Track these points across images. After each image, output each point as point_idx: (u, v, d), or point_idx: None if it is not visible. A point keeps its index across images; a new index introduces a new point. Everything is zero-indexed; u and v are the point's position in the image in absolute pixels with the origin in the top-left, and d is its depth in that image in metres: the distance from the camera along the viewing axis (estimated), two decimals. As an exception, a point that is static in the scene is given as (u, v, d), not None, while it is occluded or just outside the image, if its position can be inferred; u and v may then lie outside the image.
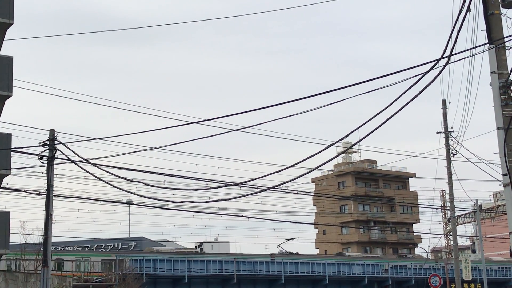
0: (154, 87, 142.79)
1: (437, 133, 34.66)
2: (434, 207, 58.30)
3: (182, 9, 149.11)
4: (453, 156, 34.05)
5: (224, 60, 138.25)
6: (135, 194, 23.02)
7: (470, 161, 31.18)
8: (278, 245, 56.53)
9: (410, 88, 12.91)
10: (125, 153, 21.44)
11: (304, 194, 35.39)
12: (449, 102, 34.12)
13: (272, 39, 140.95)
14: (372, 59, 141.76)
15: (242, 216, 29.83)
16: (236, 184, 22.40)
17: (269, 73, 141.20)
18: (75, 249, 55.13)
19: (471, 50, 13.85)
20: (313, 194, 62.55)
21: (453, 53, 12.97)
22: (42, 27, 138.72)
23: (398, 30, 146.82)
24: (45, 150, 23.56)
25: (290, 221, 46.29)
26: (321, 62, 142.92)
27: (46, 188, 24.19)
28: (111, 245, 61.85)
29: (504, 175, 13.06)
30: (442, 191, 75.58)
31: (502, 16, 13.62)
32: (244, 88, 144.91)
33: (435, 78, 12.91)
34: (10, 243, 26.41)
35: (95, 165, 21.70)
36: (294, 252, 56.05)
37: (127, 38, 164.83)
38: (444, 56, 12.96)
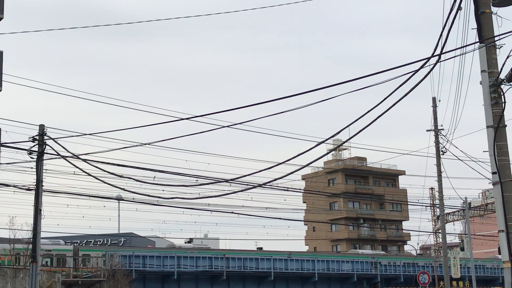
0: (147, 82, 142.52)
1: (427, 131, 34.80)
2: (423, 204, 58.62)
3: (178, 4, 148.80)
4: (443, 154, 34.19)
5: (219, 56, 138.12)
6: (125, 190, 23.02)
7: (459, 159, 31.31)
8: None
9: (400, 86, 12.97)
10: (115, 149, 21.42)
11: (294, 191, 35.44)
12: (439, 100, 34.29)
13: (267, 36, 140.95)
14: (369, 56, 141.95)
15: (232, 212, 29.80)
16: (226, 181, 22.43)
17: (265, 70, 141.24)
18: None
19: (462, 48, 13.90)
20: (303, 191, 62.46)
21: (443, 51, 13.02)
22: (34, 22, 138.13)
23: (395, 27, 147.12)
24: (34, 145, 23.49)
25: (280, 218, 46.23)
26: (317, 59, 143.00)
27: (35, 183, 24.12)
28: (100, 241, 61.63)
29: (493, 173, 13.11)
30: (432, 188, 75.90)
31: (493, 14, 13.65)
32: (239, 85, 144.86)
33: (425, 76, 12.98)
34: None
35: (84, 160, 21.66)
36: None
37: (121, 33, 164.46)
38: (434, 54, 13.01)
